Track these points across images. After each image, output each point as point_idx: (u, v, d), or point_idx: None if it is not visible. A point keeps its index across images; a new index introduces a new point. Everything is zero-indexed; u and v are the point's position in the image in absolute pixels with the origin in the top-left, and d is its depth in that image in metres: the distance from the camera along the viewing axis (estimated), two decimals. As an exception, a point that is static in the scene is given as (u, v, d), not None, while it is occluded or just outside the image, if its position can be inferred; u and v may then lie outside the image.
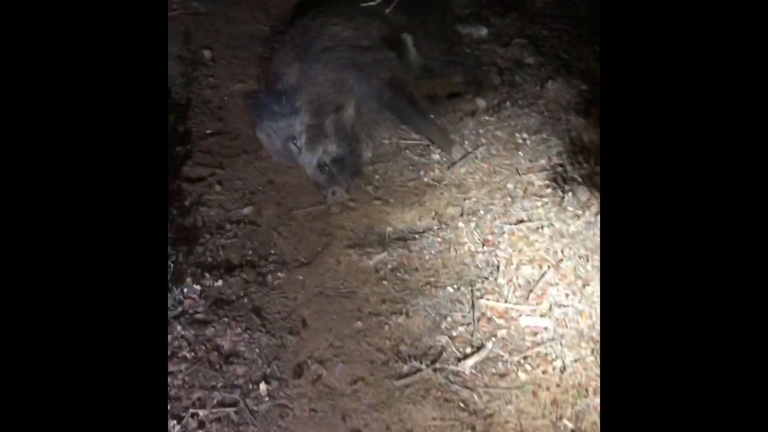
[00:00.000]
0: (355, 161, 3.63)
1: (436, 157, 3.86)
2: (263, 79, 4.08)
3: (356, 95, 3.78)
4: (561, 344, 2.66)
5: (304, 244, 3.26)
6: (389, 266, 3.10)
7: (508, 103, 4.22)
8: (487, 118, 4.12)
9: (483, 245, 3.23)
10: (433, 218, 3.43)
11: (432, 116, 3.93)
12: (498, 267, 3.08)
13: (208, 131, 4.05)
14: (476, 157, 3.80)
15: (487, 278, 3.01)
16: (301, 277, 3.07)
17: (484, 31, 5.28)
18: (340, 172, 3.55)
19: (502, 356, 2.67)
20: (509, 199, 3.46)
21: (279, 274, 3.09)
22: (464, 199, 3.54)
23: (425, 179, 3.70)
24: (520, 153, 3.72)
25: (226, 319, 2.86)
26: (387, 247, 3.20)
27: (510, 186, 3.56)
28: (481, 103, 4.24)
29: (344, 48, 3.90)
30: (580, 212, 3.19)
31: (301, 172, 3.66)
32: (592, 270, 2.87)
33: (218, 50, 5.01)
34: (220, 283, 2.95)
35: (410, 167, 3.79)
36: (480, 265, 3.11)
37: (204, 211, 3.30)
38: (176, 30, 5.17)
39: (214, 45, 5.06)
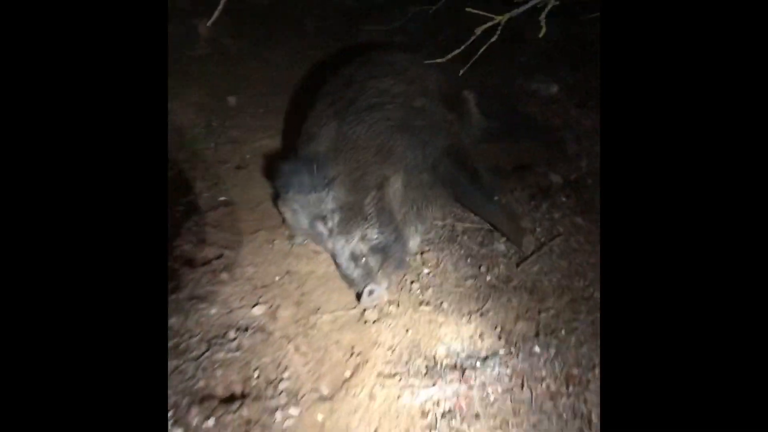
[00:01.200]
0: (399, 251, 2.82)
1: (502, 248, 3.03)
2: (294, 138, 3.33)
3: (406, 166, 2.99)
4: None
5: (327, 366, 2.44)
6: (440, 408, 2.25)
7: (589, 180, 3.38)
8: (564, 198, 3.29)
9: (567, 383, 2.36)
10: (500, 337, 2.58)
11: (497, 196, 3.11)
12: (589, 420, 2.21)
13: (220, 198, 3.30)
14: (552, 252, 2.96)
15: (575, 439, 2.16)
16: (320, 418, 2.24)
17: (554, 88, 4.49)
18: (380, 264, 2.74)
19: None
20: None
21: (291, 411, 2.26)
22: (539, 311, 2.68)
23: (487, 277, 2.87)
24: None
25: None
26: (438, 378, 2.36)
27: (599, 294, 2.70)
28: (555, 178, 3.41)
29: (394, 107, 3.13)
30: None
31: (330, 262, 2.85)
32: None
33: (246, 97, 4.31)
34: (211, 423, 2.12)
35: (468, 260, 2.97)
36: (563, 415, 2.23)
37: (203, 310, 2.49)
38: (200, 71, 4.52)
39: (242, 90, 4.36)
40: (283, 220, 3.05)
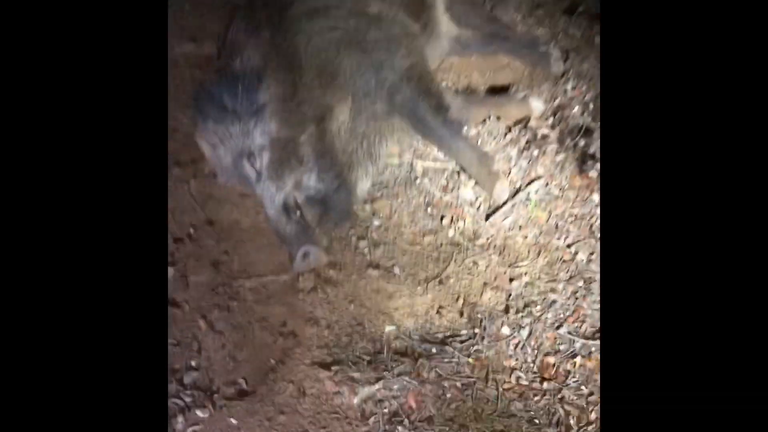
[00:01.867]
0: (343, 201, 2.27)
1: (469, 194, 2.51)
2: (217, 50, 2.66)
3: (354, 93, 2.38)
4: None
5: (249, 351, 1.95)
6: (385, 409, 1.81)
7: (576, 108, 2.84)
8: (546, 131, 2.74)
9: (542, 377, 1.94)
10: (461, 312, 2.12)
11: (465, 126, 2.54)
12: (567, 427, 1.80)
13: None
14: (529, 200, 2.45)
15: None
16: (234, 422, 1.78)
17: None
18: (319, 219, 2.20)
19: None
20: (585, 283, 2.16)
21: (198, 412, 1.79)
22: (511, 279, 2.21)
23: (450, 233, 2.36)
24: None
25: None
26: (384, 369, 1.90)
27: (583, 256, 2.24)
28: (536, 104, 2.84)
29: (342, 13, 2.47)
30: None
31: (259, 208, 2.29)
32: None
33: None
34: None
35: (428, 209, 2.44)
36: (536, 419, 1.82)
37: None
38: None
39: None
40: (202, 154, 2.44)
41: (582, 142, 2.58)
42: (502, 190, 2.45)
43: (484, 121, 2.81)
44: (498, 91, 3.04)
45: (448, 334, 2.06)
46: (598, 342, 1.95)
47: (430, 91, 2.50)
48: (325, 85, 2.39)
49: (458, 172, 2.61)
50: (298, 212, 2.22)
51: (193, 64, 3.01)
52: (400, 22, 2.60)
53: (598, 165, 2.51)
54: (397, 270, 2.24)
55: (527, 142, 2.69)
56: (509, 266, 2.26)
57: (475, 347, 2.01)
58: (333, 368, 1.93)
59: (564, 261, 2.28)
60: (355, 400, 1.86)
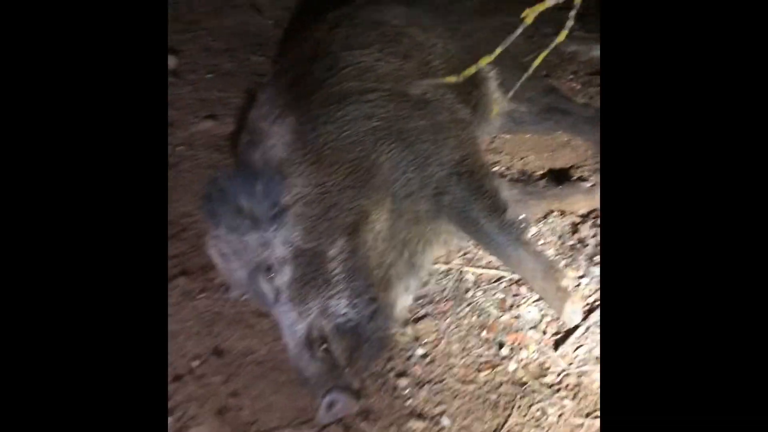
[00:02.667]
0: (380, 329, 1.84)
1: (532, 313, 2.05)
2: (234, 135, 2.30)
3: (395, 193, 1.97)
4: None
5: None
6: None
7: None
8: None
9: None
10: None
11: (525, 229, 2.10)
12: None
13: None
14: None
15: None
16: None
17: (598, 51, 3.37)
18: (350, 355, 1.76)
19: None
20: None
21: None
22: (592, 436, 1.74)
23: (511, 366, 1.90)
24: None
25: None
26: None
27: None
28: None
29: (380, 97, 2.09)
30: None
31: (278, 332, 1.87)
32: None
33: (190, 56, 3.21)
34: None
35: (484, 332, 1.98)
36: None
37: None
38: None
39: (185, 45, 3.25)
40: (214, 264, 2.04)
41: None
42: (573, 312, 1.98)
43: (546, 216, 2.36)
44: (558, 175, 2.59)
45: None
46: None
47: (484, 188, 2.08)
48: (359, 185, 1.98)
49: (518, 282, 2.15)
50: (324, 346, 1.78)
51: (211, 145, 2.66)
52: (448, 105, 2.20)
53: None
54: (446, 421, 1.78)
55: (598, 244, 2.23)
56: (587, 416, 1.78)
57: None
58: None
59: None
60: None
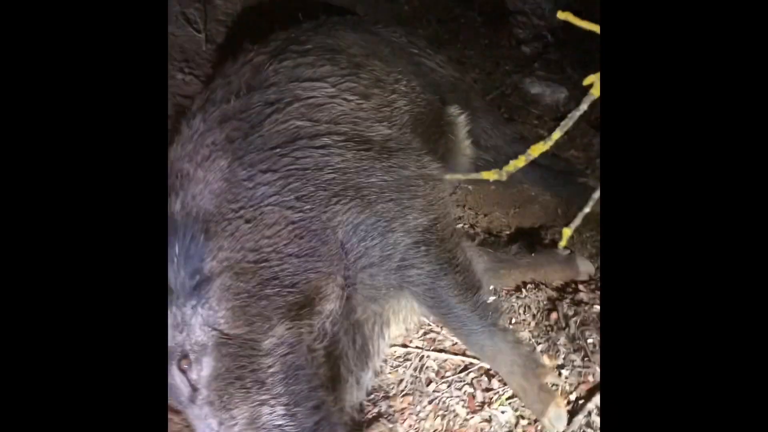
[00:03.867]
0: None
1: (506, 413, 1.69)
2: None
3: (347, 269, 1.57)
4: None
5: None
6: None
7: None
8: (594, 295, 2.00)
9: None
10: None
11: (500, 313, 1.75)
12: None
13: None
14: (592, 425, 1.66)
15: None
16: None
17: (563, 93, 3.14)
18: None
19: None
20: None
21: None
22: None
23: None
24: None
25: None
26: None
27: None
28: (585, 266, 2.09)
29: (334, 143, 1.69)
30: None
31: None
32: None
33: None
34: None
35: None
36: None
37: None
38: None
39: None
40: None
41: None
42: (557, 417, 1.64)
43: (518, 289, 2.02)
44: (528, 237, 2.27)
45: None
46: None
47: (456, 261, 1.72)
48: (305, 254, 1.58)
49: (488, 371, 1.79)
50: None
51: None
52: (416, 157, 1.82)
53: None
54: None
55: (580, 325, 1.91)
56: None
57: None
58: None
59: None
60: None
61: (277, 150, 1.70)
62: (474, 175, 1.63)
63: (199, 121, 1.83)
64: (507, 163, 2.12)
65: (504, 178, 1.43)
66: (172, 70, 2.70)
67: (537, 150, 1.49)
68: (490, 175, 1.55)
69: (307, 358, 1.48)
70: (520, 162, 1.48)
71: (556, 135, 1.43)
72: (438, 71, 2.35)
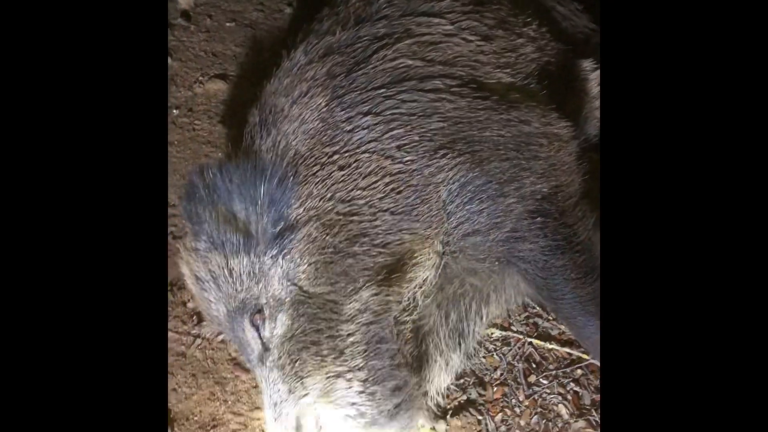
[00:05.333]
0: (403, 420, 1.22)
1: None
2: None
3: (450, 227, 1.37)
4: None
5: None
6: None
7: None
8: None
9: None
10: None
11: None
12: None
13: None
14: None
15: None
16: None
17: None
18: None
19: None
20: None
21: None
22: None
23: None
24: None
25: None
26: None
27: None
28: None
29: (446, 86, 1.46)
30: None
31: (259, 403, 1.28)
32: None
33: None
34: None
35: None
36: None
37: None
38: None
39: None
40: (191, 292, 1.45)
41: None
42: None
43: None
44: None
45: None
46: None
47: (578, 239, 1.46)
48: (402, 211, 1.39)
49: (599, 370, 1.53)
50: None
51: (215, 113, 2.07)
52: (540, 110, 1.55)
53: None
54: None
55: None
56: None
57: None
58: None
59: None
60: None
61: (382, 90, 1.49)
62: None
63: (301, 53, 1.64)
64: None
65: None
66: (280, 1, 2.55)
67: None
68: None
69: (393, 331, 1.29)
70: None
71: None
72: (572, 20, 2.04)
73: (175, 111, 2.12)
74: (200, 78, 2.24)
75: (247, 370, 1.45)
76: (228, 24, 2.48)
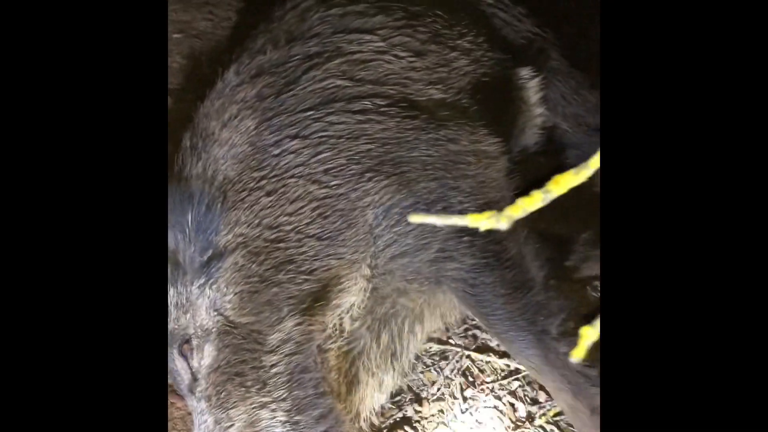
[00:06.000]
0: None
1: None
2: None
3: (377, 250, 1.37)
4: None
5: None
6: None
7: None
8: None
9: None
10: None
11: (557, 312, 1.50)
12: None
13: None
14: None
15: None
16: None
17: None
18: None
19: None
20: None
21: None
22: None
23: None
24: None
25: None
26: None
27: None
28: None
29: (375, 107, 1.47)
30: None
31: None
32: None
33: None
34: None
35: None
36: None
37: None
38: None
39: None
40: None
41: None
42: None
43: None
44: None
45: None
46: None
47: (507, 255, 1.46)
48: (329, 236, 1.38)
49: (536, 381, 1.56)
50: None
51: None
52: (470, 127, 1.56)
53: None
54: None
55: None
56: None
57: None
58: None
59: None
60: None
61: (310, 113, 1.48)
62: (456, 220, 1.02)
63: (233, 73, 1.63)
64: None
65: (505, 226, 0.89)
66: (227, 10, 2.52)
67: (562, 183, 0.89)
68: (483, 221, 0.94)
69: (316, 360, 1.30)
70: (533, 201, 0.91)
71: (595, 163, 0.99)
72: (514, 25, 2.02)
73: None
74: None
75: (181, 397, 1.46)
76: (176, 35, 2.45)
